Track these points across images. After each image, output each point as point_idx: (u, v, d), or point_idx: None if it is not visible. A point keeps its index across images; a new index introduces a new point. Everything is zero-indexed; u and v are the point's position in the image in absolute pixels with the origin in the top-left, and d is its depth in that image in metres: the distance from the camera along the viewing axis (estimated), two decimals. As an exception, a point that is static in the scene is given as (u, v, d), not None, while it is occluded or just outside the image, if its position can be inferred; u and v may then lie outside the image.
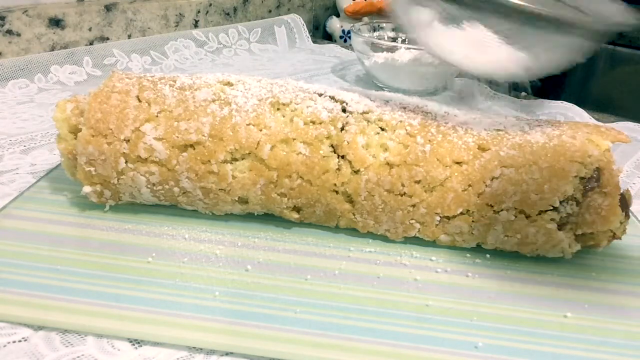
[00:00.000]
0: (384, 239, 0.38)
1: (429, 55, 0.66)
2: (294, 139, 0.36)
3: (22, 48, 0.68)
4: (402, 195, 0.35)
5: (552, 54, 0.32)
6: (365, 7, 1.01)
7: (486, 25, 0.31)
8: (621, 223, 0.36)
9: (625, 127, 0.64)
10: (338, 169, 0.36)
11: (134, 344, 0.29)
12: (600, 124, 0.39)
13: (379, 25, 0.80)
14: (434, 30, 0.33)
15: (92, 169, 0.36)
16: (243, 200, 0.38)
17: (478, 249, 0.38)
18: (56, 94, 0.63)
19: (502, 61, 0.32)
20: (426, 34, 0.33)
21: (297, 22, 0.95)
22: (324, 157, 0.36)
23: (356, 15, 1.01)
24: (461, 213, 0.35)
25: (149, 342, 0.29)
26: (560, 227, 0.35)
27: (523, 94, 0.76)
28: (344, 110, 0.38)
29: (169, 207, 0.40)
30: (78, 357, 0.28)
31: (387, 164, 0.36)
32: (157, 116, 0.36)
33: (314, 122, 0.37)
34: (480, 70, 0.34)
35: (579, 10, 0.30)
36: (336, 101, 0.39)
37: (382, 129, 0.37)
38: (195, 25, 0.86)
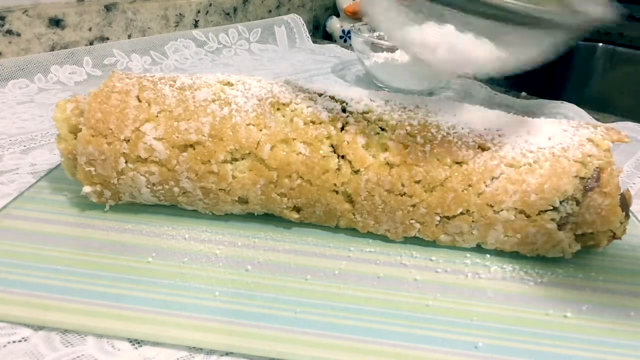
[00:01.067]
0: (384, 239, 0.38)
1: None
2: (294, 139, 0.36)
3: (22, 48, 0.68)
4: (402, 195, 0.35)
5: (530, 50, 0.31)
6: (365, 7, 1.01)
7: (463, 23, 0.30)
8: (621, 223, 0.36)
9: (625, 127, 0.64)
10: (338, 169, 0.36)
11: (134, 344, 0.29)
12: (600, 123, 0.39)
13: (379, 25, 0.80)
14: (409, 29, 0.32)
15: (92, 169, 0.36)
16: (243, 200, 0.38)
17: (478, 249, 0.38)
18: (56, 94, 0.63)
19: (479, 59, 0.31)
20: (402, 32, 0.32)
21: (297, 22, 0.95)
22: (324, 157, 0.36)
23: (356, 15, 1.01)
24: (461, 213, 0.35)
25: (149, 342, 0.29)
26: (560, 227, 0.35)
27: (523, 94, 0.76)
28: (344, 110, 0.38)
29: (169, 207, 0.40)
30: (78, 357, 0.28)
31: (387, 164, 0.36)
32: (157, 116, 0.36)
33: (314, 122, 0.37)
34: (458, 68, 0.33)
35: (562, 4, 0.29)
36: (336, 101, 0.39)
37: (382, 129, 0.37)
38: (195, 25, 0.86)
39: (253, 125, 0.36)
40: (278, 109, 0.38)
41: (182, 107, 0.37)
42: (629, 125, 0.65)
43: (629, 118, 0.67)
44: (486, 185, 0.35)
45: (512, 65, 0.31)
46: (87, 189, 0.37)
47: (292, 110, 0.38)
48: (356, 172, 0.36)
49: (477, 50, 0.31)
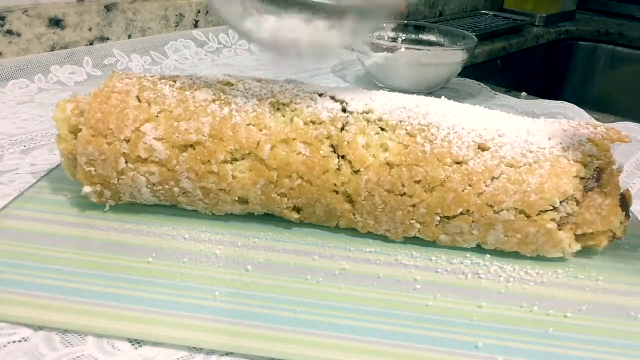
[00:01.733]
0: (384, 239, 0.38)
1: (427, 55, 0.66)
2: (294, 139, 0.36)
3: (22, 48, 0.68)
4: (402, 195, 0.35)
5: (346, 33, 0.37)
6: (365, 7, 1.01)
7: (287, 14, 0.36)
8: (621, 223, 0.36)
9: (625, 127, 0.64)
10: (338, 169, 0.36)
11: (134, 344, 0.29)
12: (600, 123, 0.39)
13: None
14: (248, 19, 0.37)
15: (92, 169, 0.36)
16: (243, 200, 0.38)
17: (478, 249, 0.38)
18: (56, 94, 0.63)
19: (305, 41, 0.36)
20: (241, 22, 0.37)
21: (297, 22, 0.95)
22: (324, 157, 0.36)
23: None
24: (461, 213, 0.35)
25: (149, 342, 0.29)
26: (560, 227, 0.35)
27: (523, 94, 0.76)
28: (344, 110, 0.38)
29: (169, 207, 0.40)
30: (78, 357, 0.28)
31: (387, 164, 0.36)
32: (157, 116, 0.36)
33: (314, 122, 0.37)
34: (286, 51, 0.38)
35: None
36: (336, 101, 0.39)
37: (382, 129, 0.37)
38: (195, 25, 0.86)
39: (253, 125, 0.36)
40: (278, 109, 0.38)
41: (182, 107, 0.37)
42: (629, 125, 0.65)
43: (629, 118, 0.67)
44: (486, 185, 0.35)
45: (334, 44, 0.37)
46: (87, 189, 0.37)
47: (292, 110, 0.38)
48: (356, 172, 0.36)
49: (303, 35, 0.36)
